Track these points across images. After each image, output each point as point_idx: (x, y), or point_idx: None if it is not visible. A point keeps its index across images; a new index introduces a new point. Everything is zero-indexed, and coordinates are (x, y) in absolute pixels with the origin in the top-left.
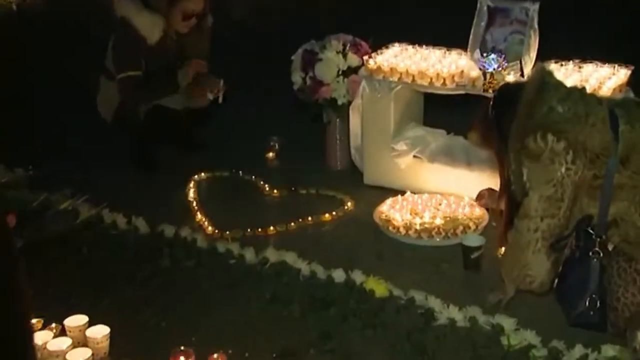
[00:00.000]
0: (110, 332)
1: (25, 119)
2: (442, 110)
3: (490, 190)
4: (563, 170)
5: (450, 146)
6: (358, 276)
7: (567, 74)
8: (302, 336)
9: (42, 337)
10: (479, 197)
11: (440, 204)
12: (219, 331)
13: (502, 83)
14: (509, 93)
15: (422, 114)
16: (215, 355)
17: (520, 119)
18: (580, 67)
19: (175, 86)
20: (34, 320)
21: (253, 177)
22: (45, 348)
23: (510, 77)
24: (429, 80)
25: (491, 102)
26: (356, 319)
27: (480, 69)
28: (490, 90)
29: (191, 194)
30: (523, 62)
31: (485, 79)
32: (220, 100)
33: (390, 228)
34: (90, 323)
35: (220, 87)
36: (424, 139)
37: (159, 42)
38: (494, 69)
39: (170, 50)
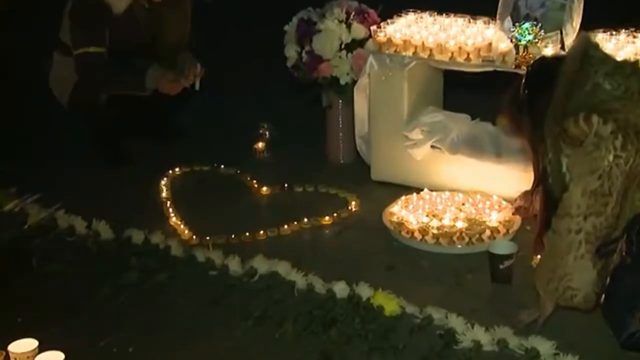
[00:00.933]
0: None
1: None
2: (466, 92)
3: (526, 195)
4: (611, 158)
5: (476, 134)
6: (364, 290)
7: (619, 45)
8: None
9: None
10: (518, 210)
11: (463, 204)
12: (199, 357)
13: (537, 57)
14: (545, 69)
15: (442, 95)
16: None
17: (558, 99)
18: (634, 37)
19: (141, 87)
20: None
21: (238, 171)
22: None
23: (548, 50)
24: (449, 55)
25: (524, 80)
26: (362, 341)
27: (511, 40)
28: (523, 67)
29: (164, 192)
30: (564, 32)
31: (517, 52)
32: (197, 86)
33: (403, 232)
34: (41, 349)
35: (197, 72)
36: (443, 126)
37: (127, 11)
38: (528, 41)
39: (141, 24)
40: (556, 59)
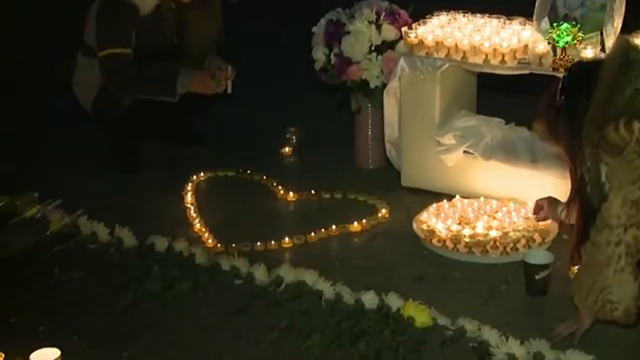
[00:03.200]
0: None
1: None
2: (500, 95)
3: (550, 199)
4: None
5: (510, 139)
6: (394, 301)
7: None
8: None
9: None
10: (537, 208)
11: (496, 212)
12: None
13: (576, 60)
14: (583, 73)
15: (475, 99)
16: None
17: (598, 105)
18: None
19: (172, 93)
20: None
21: (264, 177)
22: None
23: (588, 53)
24: (483, 57)
25: (561, 85)
26: (392, 354)
27: (548, 42)
28: (561, 70)
29: (188, 198)
30: (604, 33)
31: (554, 54)
32: (229, 90)
33: (434, 241)
34: (63, 358)
35: (228, 75)
36: (477, 131)
37: (154, 12)
38: (567, 42)
39: (168, 25)
40: (595, 63)
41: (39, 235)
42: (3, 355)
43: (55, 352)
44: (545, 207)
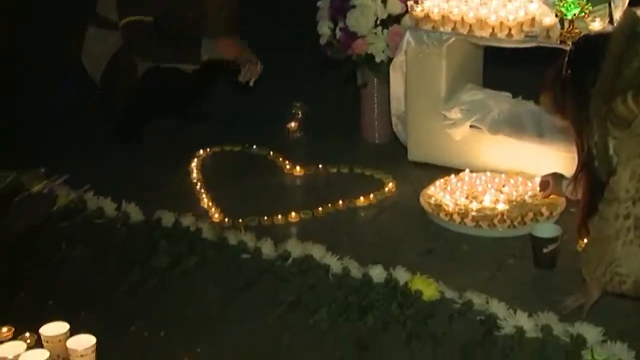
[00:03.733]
0: (97, 344)
1: None
2: (507, 69)
3: (555, 175)
4: None
5: (517, 113)
6: (401, 274)
7: None
8: (332, 350)
9: (14, 349)
10: (542, 184)
11: (504, 186)
12: (230, 344)
13: (583, 33)
14: (590, 45)
15: (482, 73)
16: None
17: (605, 78)
18: None
19: (196, 58)
20: (4, 329)
21: (271, 152)
22: None
23: (596, 25)
24: (490, 30)
25: (568, 58)
26: (399, 327)
27: (556, 14)
28: (568, 42)
29: (194, 173)
30: (613, 5)
31: (562, 27)
32: (251, 83)
33: (442, 215)
34: (72, 332)
35: (258, 70)
36: (483, 105)
37: None
38: (575, 15)
39: None
40: (602, 36)
41: (45, 211)
42: (13, 329)
43: (64, 326)
44: (551, 183)
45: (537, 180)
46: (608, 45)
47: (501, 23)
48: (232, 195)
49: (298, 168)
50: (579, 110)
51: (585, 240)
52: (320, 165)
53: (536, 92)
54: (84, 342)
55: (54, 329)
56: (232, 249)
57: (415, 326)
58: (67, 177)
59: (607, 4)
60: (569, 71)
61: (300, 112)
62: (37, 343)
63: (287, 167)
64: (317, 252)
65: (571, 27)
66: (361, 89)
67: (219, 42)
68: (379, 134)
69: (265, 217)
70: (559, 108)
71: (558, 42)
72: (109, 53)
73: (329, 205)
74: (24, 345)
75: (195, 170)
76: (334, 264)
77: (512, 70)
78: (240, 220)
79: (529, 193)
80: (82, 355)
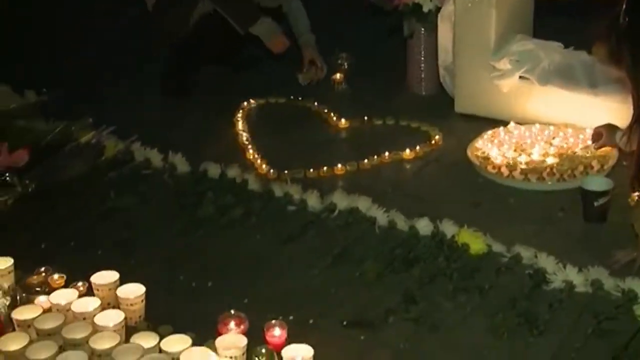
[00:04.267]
0: (145, 293)
1: (36, 33)
2: (559, 18)
3: (609, 126)
4: None
5: (569, 64)
6: (448, 227)
7: None
8: (379, 301)
9: (66, 297)
10: (595, 135)
11: (553, 138)
12: (276, 294)
13: None
14: None
15: (532, 22)
16: (272, 322)
17: None
18: None
19: (245, 28)
20: (56, 277)
21: (316, 103)
22: (69, 309)
23: None
24: None
25: (625, 5)
26: (446, 280)
27: None
28: None
29: (240, 125)
30: None
31: None
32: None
33: (489, 168)
34: (122, 281)
35: (320, 76)
36: (534, 55)
37: None
38: None
39: None
40: None
41: (94, 160)
42: (64, 277)
43: (114, 274)
44: (604, 134)
45: (589, 132)
46: None
47: None
48: (277, 147)
49: (343, 120)
50: (636, 60)
51: (638, 195)
52: (365, 118)
53: (589, 42)
54: (134, 290)
55: (104, 277)
56: (277, 201)
57: (462, 279)
58: (114, 128)
59: None
60: (627, 19)
61: (345, 64)
62: (88, 291)
63: (333, 119)
64: (363, 204)
65: None
66: (407, 39)
67: (275, 37)
68: (426, 86)
69: (311, 170)
70: (614, 58)
71: None
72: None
73: (375, 157)
74: (76, 293)
75: (240, 122)
76: (380, 216)
77: (564, 19)
78: (286, 172)
79: (580, 146)
80: (132, 304)
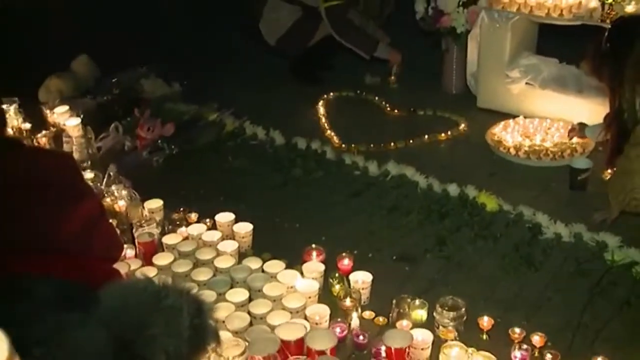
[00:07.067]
0: (253, 229)
1: (182, 40)
2: (556, 40)
3: (580, 124)
4: None
5: (562, 75)
6: (471, 191)
7: None
8: (419, 243)
9: (197, 229)
10: (570, 130)
11: (549, 129)
12: (346, 234)
13: (620, 14)
14: (625, 26)
15: (536, 43)
16: (343, 254)
17: (638, 51)
18: None
19: (370, 52)
20: (191, 215)
21: (376, 97)
22: (200, 238)
23: (630, 8)
24: (546, 11)
25: (606, 34)
26: (469, 229)
27: (598, 0)
28: (608, 21)
29: (321, 110)
30: None
31: (603, 9)
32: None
33: (501, 148)
34: (236, 220)
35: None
36: (536, 67)
37: None
38: (614, 0)
39: None
40: (635, 18)
41: (217, 134)
42: (197, 215)
43: (231, 215)
44: (577, 129)
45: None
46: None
47: (555, 5)
48: (347, 127)
49: (396, 110)
50: (614, 75)
51: (610, 172)
52: (411, 109)
53: (578, 59)
54: (245, 227)
55: (224, 217)
56: (347, 167)
57: (480, 229)
58: (232, 110)
59: None
60: (608, 44)
61: (397, 69)
62: (213, 226)
63: (388, 108)
64: (409, 172)
65: (610, 9)
66: (444, 53)
67: (392, 51)
68: (456, 87)
69: (372, 145)
70: (596, 73)
71: (599, 21)
72: (285, 25)
73: (418, 138)
74: (204, 227)
75: (321, 108)
76: (421, 181)
77: (559, 41)
78: (353, 145)
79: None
80: (243, 237)
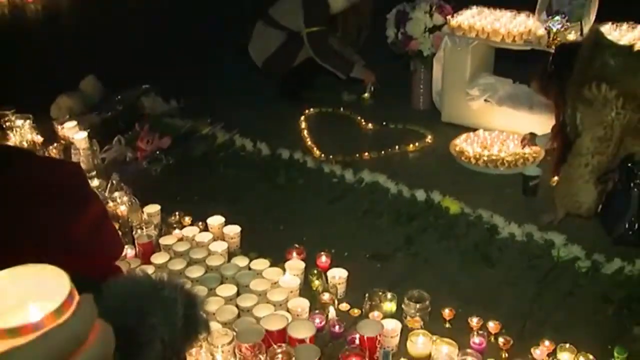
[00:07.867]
0: (241, 231)
1: (179, 62)
2: (510, 62)
3: (531, 134)
4: (613, 114)
5: (516, 93)
6: (436, 196)
7: (622, 33)
8: (390, 242)
9: (191, 231)
10: (522, 140)
11: (505, 140)
12: (324, 235)
13: (562, 41)
14: (567, 51)
15: (493, 65)
16: (321, 253)
17: (577, 72)
18: (633, 28)
19: (347, 73)
20: (186, 218)
21: (352, 112)
22: (193, 239)
23: (571, 36)
24: (501, 37)
25: (552, 58)
26: (434, 230)
27: (545, 28)
28: (553, 47)
29: (303, 125)
30: (583, 23)
31: (549, 37)
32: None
33: (463, 158)
34: (226, 223)
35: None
36: (493, 86)
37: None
38: (558, 29)
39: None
40: (576, 44)
41: (210, 146)
42: (191, 218)
43: (221, 218)
44: (528, 139)
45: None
46: (579, 50)
47: (508, 32)
48: (326, 139)
49: (369, 124)
50: (559, 93)
51: (557, 179)
52: (383, 123)
53: (528, 79)
54: (233, 229)
55: (215, 220)
56: (326, 175)
57: (445, 230)
58: (223, 124)
59: (579, 22)
60: (553, 67)
61: (372, 87)
62: (205, 228)
63: (362, 122)
64: (381, 179)
65: (555, 37)
66: (412, 73)
67: (366, 71)
68: (423, 103)
69: (348, 155)
70: (544, 91)
71: (546, 47)
72: (270, 48)
73: (389, 149)
74: (197, 229)
75: (303, 123)
76: (392, 187)
77: (513, 64)
78: (332, 156)
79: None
80: (232, 238)
